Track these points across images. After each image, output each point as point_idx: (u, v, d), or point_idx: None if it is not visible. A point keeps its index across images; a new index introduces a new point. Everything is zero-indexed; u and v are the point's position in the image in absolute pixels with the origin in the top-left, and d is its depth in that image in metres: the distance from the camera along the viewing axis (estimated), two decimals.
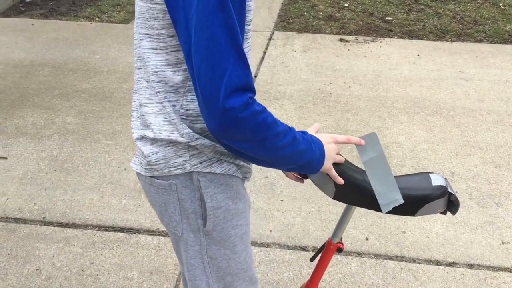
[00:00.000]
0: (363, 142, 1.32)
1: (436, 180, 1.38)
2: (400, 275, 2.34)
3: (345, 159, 1.39)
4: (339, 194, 1.35)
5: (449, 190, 1.38)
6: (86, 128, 3.44)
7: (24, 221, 2.63)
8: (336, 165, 1.33)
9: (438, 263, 2.42)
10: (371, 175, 1.32)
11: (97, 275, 2.32)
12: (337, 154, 1.31)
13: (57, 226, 2.61)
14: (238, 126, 1.03)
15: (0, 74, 4.15)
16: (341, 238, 1.56)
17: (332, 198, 1.36)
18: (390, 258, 2.44)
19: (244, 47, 1.12)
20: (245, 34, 1.12)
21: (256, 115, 1.04)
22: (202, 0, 0.99)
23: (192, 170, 1.20)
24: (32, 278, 2.30)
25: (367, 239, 2.54)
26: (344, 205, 2.69)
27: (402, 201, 1.32)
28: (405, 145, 3.29)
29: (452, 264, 2.41)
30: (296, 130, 1.27)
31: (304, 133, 1.21)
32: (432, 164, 3.10)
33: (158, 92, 1.17)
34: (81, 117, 3.56)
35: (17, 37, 4.85)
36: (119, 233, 2.56)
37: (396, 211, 1.35)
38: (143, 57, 1.18)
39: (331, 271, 2.35)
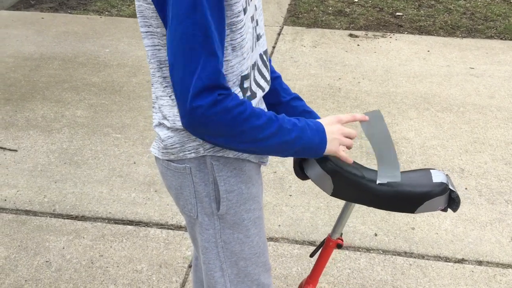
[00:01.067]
0: (367, 117, 1.30)
1: (437, 177, 1.34)
2: (408, 271, 2.34)
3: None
4: (338, 191, 1.33)
5: (450, 187, 1.34)
6: (96, 121, 3.45)
7: (34, 213, 2.65)
8: (334, 159, 1.30)
9: (447, 259, 2.41)
10: (375, 149, 1.31)
11: (107, 267, 2.34)
12: (346, 137, 1.27)
13: (67, 218, 2.63)
14: (207, 124, 1.06)
15: (10, 67, 4.17)
16: (341, 234, 1.55)
17: (331, 195, 1.34)
18: (399, 254, 2.44)
19: (234, 38, 1.13)
20: (235, 26, 1.12)
21: (227, 111, 1.06)
22: (177, 1, 1.03)
23: (205, 154, 1.23)
24: (42, 270, 2.32)
25: (375, 235, 2.54)
26: None
27: (399, 179, 1.31)
28: (415, 141, 3.28)
29: (461, 261, 2.40)
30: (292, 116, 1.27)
31: (298, 119, 1.20)
32: (441, 161, 3.09)
33: (166, 86, 1.21)
34: (90, 111, 3.58)
35: (27, 30, 4.87)
36: (128, 226, 2.57)
37: (395, 208, 1.33)
38: (148, 54, 1.21)
39: (340, 266, 2.35)
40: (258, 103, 1.31)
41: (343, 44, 4.67)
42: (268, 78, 1.34)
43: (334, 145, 1.24)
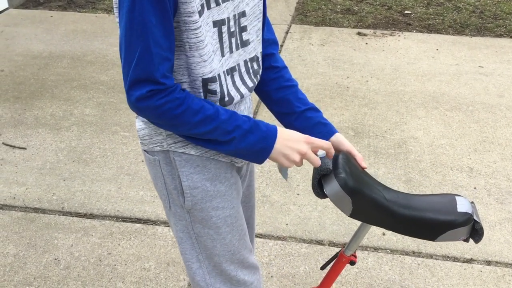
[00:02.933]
0: (318, 162, 1.25)
1: (462, 206, 1.28)
2: (417, 271, 2.33)
3: (365, 172, 1.32)
4: (357, 212, 1.28)
5: (475, 217, 1.28)
6: (104, 119, 3.47)
7: (43, 211, 2.66)
8: (355, 179, 1.26)
9: (455, 259, 2.40)
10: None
11: (115, 265, 2.34)
12: (303, 157, 1.23)
13: (76, 216, 2.64)
14: (140, 111, 1.15)
15: (19, 65, 4.20)
16: (355, 251, 1.51)
17: (349, 216, 1.29)
18: (407, 253, 2.43)
19: (190, 37, 1.14)
20: (188, 25, 1.13)
21: (154, 107, 1.12)
22: (122, 1, 1.10)
23: (168, 148, 1.27)
24: (50, 267, 2.33)
25: (383, 234, 2.53)
26: None
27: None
28: (423, 140, 3.27)
29: (470, 261, 2.39)
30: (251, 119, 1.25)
31: (248, 120, 1.19)
32: (450, 160, 3.07)
33: None
34: (99, 109, 3.59)
35: (36, 29, 4.89)
36: (136, 224, 2.58)
37: (415, 234, 1.28)
38: None
39: (347, 265, 2.35)
40: (236, 106, 1.31)
41: (351, 43, 4.66)
42: (251, 85, 1.32)
43: (281, 158, 1.22)
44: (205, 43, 1.16)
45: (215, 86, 1.21)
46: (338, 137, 1.39)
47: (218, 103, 1.24)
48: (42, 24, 4.99)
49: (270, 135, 1.20)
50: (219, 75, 1.22)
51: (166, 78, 1.12)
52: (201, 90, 1.21)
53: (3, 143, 3.21)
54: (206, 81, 1.20)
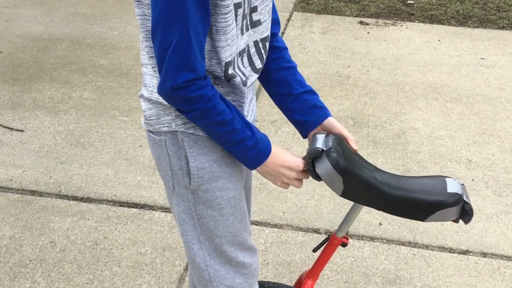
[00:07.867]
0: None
1: (452, 186, 1.30)
2: (412, 261, 2.33)
3: (356, 153, 1.33)
4: (348, 192, 1.29)
5: (464, 198, 1.30)
6: (103, 104, 3.45)
7: (40, 194, 2.66)
8: (347, 159, 1.28)
9: (451, 250, 2.40)
10: None
11: (111, 249, 2.34)
12: (296, 179, 1.34)
13: (72, 199, 2.63)
14: (170, 99, 1.16)
15: (18, 47, 4.17)
16: (347, 232, 1.52)
17: (340, 196, 1.31)
18: (403, 243, 2.43)
19: (218, 21, 1.14)
20: (218, 9, 1.13)
21: (187, 99, 1.13)
22: None
23: (177, 129, 1.26)
24: (46, 250, 2.33)
25: (380, 224, 2.53)
26: None
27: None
28: (422, 131, 3.26)
29: (466, 252, 2.40)
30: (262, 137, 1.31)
31: (250, 139, 1.23)
32: (449, 151, 3.07)
33: (152, 56, 1.22)
34: (98, 93, 3.57)
35: (36, 11, 4.86)
36: (133, 209, 2.58)
37: (405, 214, 1.30)
38: (138, 23, 1.23)
39: (343, 254, 2.35)
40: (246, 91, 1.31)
41: (353, 32, 4.63)
42: (258, 66, 1.32)
43: (268, 176, 1.32)
44: (231, 27, 1.16)
45: (231, 70, 1.22)
46: (330, 120, 1.42)
47: (241, 85, 1.25)
48: (42, 6, 4.95)
49: (264, 154, 1.27)
50: (232, 58, 1.22)
51: (201, 64, 1.13)
52: (222, 75, 1.21)
53: (0, 125, 3.20)
54: (227, 65, 1.20)
